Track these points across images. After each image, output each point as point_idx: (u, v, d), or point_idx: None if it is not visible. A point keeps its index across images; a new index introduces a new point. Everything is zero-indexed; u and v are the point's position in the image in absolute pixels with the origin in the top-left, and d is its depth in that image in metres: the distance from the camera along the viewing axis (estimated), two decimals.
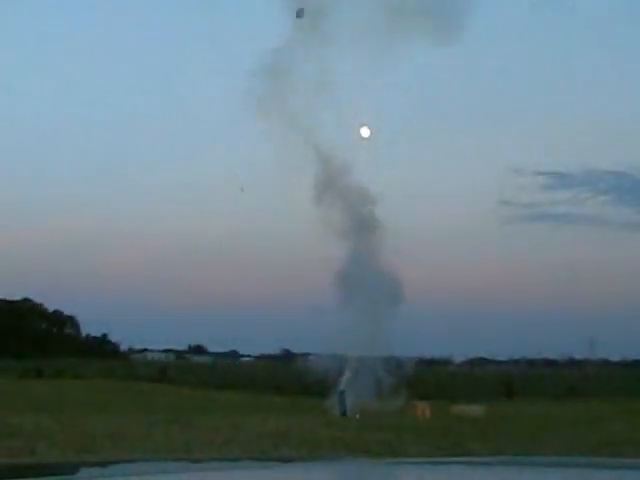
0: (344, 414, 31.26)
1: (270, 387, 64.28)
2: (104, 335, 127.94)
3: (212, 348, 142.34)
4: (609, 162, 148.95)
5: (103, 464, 3.67)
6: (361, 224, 37.24)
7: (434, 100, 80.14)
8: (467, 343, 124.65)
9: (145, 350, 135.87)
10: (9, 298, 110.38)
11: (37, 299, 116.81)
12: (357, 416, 27.33)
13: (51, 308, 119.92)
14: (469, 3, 42.67)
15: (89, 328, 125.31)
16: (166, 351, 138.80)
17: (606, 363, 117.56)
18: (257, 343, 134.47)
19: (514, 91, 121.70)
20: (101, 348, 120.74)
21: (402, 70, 58.83)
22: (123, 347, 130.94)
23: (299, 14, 32.00)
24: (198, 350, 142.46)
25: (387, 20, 34.97)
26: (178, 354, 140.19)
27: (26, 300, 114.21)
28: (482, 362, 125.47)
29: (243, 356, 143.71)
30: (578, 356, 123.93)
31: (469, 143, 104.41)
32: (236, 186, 39.22)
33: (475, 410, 31.37)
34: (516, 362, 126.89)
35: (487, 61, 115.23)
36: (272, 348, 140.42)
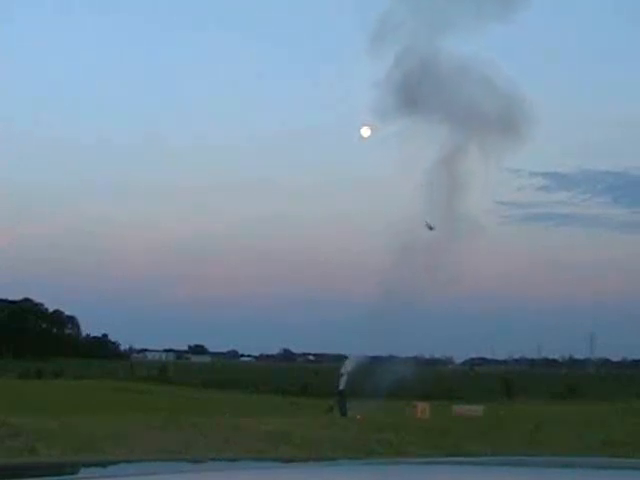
0: (344, 414, 31.23)
1: (270, 387, 64.28)
2: (104, 335, 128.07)
3: (212, 348, 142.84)
4: (606, 163, 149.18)
5: (103, 464, 3.66)
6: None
7: None
8: (467, 343, 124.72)
9: (145, 350, 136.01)
10: (9, 298, 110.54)
11: (37, 299, 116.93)
12: (357, 416, 27.32)
13: (51, 308, 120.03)
14: None
15: (89, 328, 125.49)
16: (166, 351, 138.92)
17: (606, 363, 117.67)
18: (257, 343, 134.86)
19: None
20: (101, 348, 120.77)
21: None
22: (123, 347, 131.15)
23: (430, 227, 33.87)
24: (198, 350, 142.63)
25: None
26: (178, 354, 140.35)
27: (26, 300, 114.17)
28: (482, 362, 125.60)
29: (243, 356, 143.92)
30: (578, 356, 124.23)
31: None
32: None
33: (475, 410, 31.36)
34: (516, 362, 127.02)
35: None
36: (272, 348, 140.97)
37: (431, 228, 34.03)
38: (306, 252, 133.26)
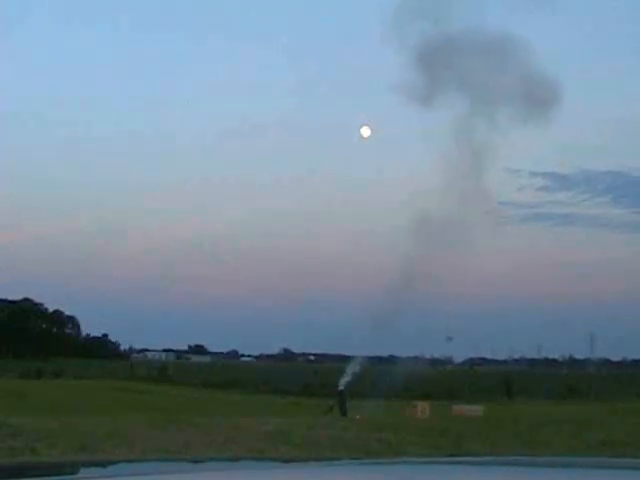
0: (344, 414, 31.23)
1: (270, 387, 64.27)
2: (104, 335, 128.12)
3: (212, 348, 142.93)
4: (606, 163, 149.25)
5: (103, 464, 3.66)
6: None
7: None
8: (467, 343, 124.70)
9: (145, 350, 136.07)
10: (9, 298, 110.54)
11: (37, 299, 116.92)
12: (357, 416, 27.31)
13: (51, 308, 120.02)
14: None
15: (89, 328, 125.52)
16: (166, 351, 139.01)
17: (606, 363, 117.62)
18: (257, 343, 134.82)
19: None
20: (101, 348, 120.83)
21: None
22: (123, 347, 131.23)
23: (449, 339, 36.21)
24: (198, 350, 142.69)
25: None
26: (178, 354, 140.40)
27: (26, 300, 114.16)
28: (482, 362, 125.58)
29: (243, 356, 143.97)
30: (578, 356, 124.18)
31: None
32: None
33: (475, 410, 31.36)
34: (516, 362, 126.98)
35: None
36: (272, 348, 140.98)
37: (450, 339, 35.55)
38: (306, 252, 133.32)
